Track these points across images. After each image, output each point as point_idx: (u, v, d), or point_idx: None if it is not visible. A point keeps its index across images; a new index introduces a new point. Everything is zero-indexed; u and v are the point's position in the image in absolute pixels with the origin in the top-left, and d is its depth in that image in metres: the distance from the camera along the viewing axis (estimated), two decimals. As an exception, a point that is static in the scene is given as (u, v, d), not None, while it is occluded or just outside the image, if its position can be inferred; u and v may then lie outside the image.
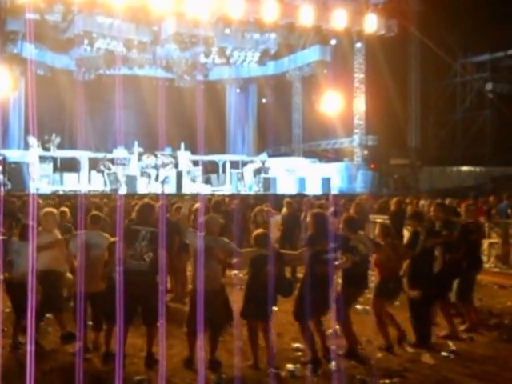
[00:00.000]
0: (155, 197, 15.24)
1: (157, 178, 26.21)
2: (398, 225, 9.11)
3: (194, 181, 26.47)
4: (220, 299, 6.00)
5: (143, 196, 16.49)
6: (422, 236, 6.81)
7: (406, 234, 8.01)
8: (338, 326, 6.43)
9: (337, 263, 6.06)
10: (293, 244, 10.25)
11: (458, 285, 7.40)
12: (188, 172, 26.48)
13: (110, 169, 25.40)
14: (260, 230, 6.35)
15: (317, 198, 16.79)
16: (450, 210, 8.74)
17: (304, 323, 6.05)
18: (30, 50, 24.79)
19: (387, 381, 5.57)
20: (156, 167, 26.46)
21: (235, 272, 9.46)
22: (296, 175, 26.78)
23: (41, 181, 24.31)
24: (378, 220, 9.80)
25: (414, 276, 6.75)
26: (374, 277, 7.31)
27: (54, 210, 7.21)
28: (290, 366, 5.88)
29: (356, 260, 6.21)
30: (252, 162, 27.61)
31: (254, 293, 5.90)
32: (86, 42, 25.94)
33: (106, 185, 24.55)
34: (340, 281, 6.45)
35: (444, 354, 6.42)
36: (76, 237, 6.54)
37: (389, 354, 6.41)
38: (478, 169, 30.27)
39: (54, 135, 26.50)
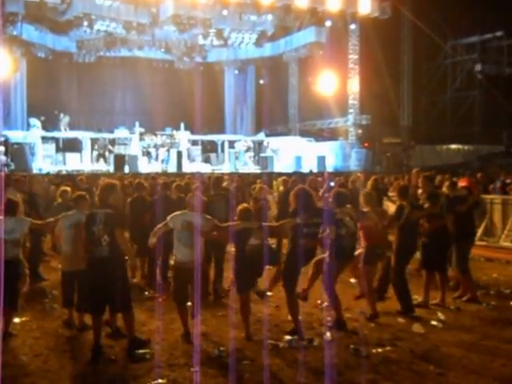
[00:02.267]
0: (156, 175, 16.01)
1: (157, 158, 26.95)
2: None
3: (193, 160, 27.21)
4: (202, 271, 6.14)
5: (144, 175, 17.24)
6: (407, 210, 7.01)
7: (391, 206, 8.29)
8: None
9: (320, 235, 6.26)
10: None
11: (454, 256, 7.81)
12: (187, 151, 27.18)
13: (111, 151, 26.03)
14: (243, 205, 6.47)
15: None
16: (434, 183, 9.20)
17: (290, 294, 6.33)
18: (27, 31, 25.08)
19: (380, 349, 5.77)
20: (156, 147, 27.15)
21: (234, 248, 10.09)
22: (279, 155, 27.75)
23: (44, 161, 24.88)
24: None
25: (401, 248, 7.04)
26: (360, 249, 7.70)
27: None
28: (287, 338, 6.05)
29: (341, 232, 6.36)
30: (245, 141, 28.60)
31: (241, 266, 6.14)
32: (85, 23, 25.92)
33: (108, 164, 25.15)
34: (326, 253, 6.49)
35: (433, 323, 6.69)
36: (65, 217, 6.54)
37: (381, 324, 6.62)
38: (466, 147, 31.16)
39: (61, 114, 27.02)
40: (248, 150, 28.34)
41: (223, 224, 6.44)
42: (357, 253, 6.97)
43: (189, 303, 6.25)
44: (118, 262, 5.65)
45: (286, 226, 6.30)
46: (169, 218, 6.22)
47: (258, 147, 29.14)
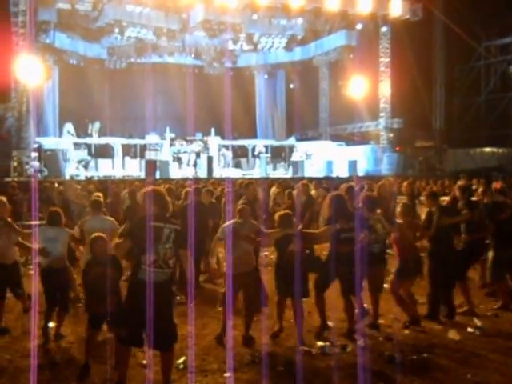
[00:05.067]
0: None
1: (187, 163, 27.08)
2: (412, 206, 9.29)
3: (224, 165, 27.28)
4: (254, 280, 6.13)
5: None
6: (436, 216, 6.91)
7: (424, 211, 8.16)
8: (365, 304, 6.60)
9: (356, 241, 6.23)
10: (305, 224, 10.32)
11: (490, 264, 7.62)
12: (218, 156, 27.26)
13: None
14: (283, 211, 6.52)
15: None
16: (471, 191, 8.90)
17: (319, 298, 6.40)
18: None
19: (415, 356, 5.65)
20: (186, 152, 27.29)
21: (266, 253, 9.71)
22: (312, 159, 27.63)
23: (78, 168, 25.25)
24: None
25: (433, 254, 6.94)
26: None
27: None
28: (320, 344, 6.01)
29: (372, 238, 6.36)
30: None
31: (281, 272, 6.19)
32: (116, 30, 26.28)
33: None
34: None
35: (470, 330, 6.58)
36: (85, 223, 6.62)
37: (416, 330, 6.54)
38: (501, 150, 30.53)
39: (96, 121, 27.40)
40: (260, 154, 28.26)
41: (266, 231, 6.40)
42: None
43: (220, 308, 6.21)
44: (171, 287, 4.91)
45: (327, 232, 6.33)
46: (219, 231, 6.30)
47: (289, 152, 29.04)
